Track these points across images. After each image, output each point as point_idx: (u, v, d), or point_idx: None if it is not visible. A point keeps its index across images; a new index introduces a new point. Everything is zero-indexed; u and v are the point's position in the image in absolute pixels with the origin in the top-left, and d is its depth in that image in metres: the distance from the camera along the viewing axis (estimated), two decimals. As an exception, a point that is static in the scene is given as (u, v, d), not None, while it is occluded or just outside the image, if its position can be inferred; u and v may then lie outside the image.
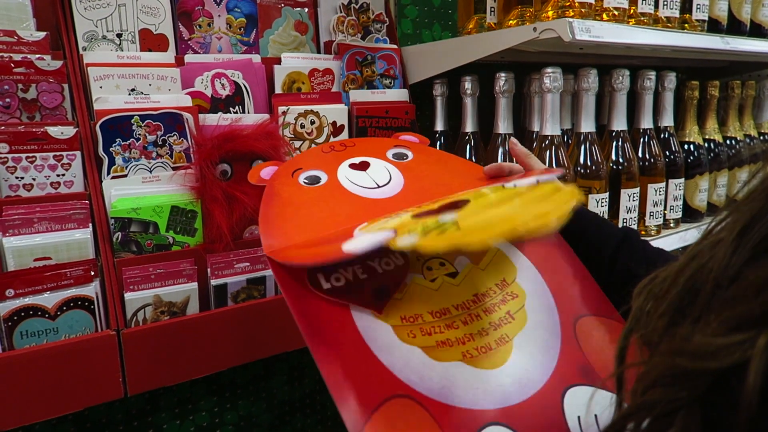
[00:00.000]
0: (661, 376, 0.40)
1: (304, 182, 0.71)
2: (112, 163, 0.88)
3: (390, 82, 1.21)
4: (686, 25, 1.25)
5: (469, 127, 1.18)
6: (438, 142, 1.26)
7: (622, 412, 0.42)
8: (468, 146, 1.17)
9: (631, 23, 1.10)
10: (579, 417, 0.56)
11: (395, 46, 1.23)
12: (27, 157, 0.84)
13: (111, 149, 0.88)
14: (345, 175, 0.73)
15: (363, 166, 0.75)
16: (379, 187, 0.72)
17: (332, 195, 0.69)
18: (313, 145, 1.07)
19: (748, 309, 0.37)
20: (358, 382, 0.53)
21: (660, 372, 0.40)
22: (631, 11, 1.11)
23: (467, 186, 0.76)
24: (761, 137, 1.56)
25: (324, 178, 0.72)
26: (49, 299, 0.80)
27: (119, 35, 0.96)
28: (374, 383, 0.53)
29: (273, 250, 0.60)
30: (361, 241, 0.49)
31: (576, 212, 0.76)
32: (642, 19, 1.12)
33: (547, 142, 1.05)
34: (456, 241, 0.42)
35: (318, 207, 0.67)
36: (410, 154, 0.81)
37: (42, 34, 0.90)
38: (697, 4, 1.25)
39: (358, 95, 1.13)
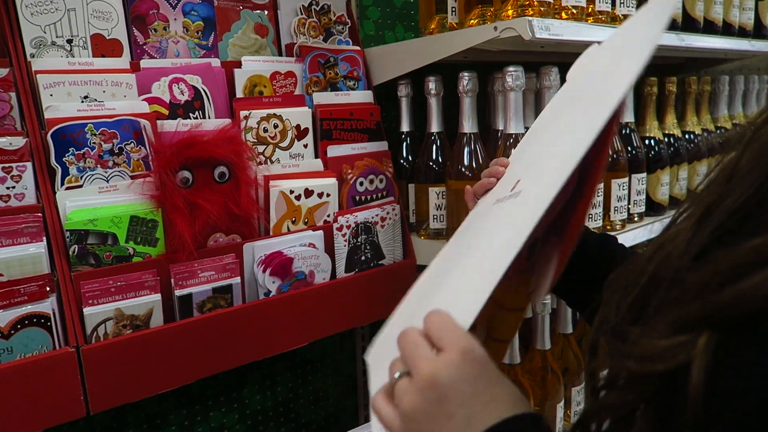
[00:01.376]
0: (613, 378, 0.41)
1: None
2: (65, 173, 0.85)
3: (354, 84, 1.20)
4: (643, 22, 1.28)
5: (435, 127, 1.18)
6: (404, 143, 1.26)
7: (582, 415, 0.44)
8: (434, 146, 1.17)
9: (589, 21, 1.12)
10: None
11: (358, 48, 1.22)
12: (-26, 170, 0.80)
13: (64, 159, 0.85)
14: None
15: None
16: None
17: None
18: (277, 150, 1.05)
19: (689, 311, 0.37)
20: None
21: (611, 375, 0.41)
22: (589, 9, 1.12)
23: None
24: (718, 131, 1.60)
25: None
26: (1, 318, 0.76)
27: (70, 41, 0.93)
28: None
29: None
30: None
31: None
32: (600, 17, 1.14)
33: (511, 140, 1.05)
34: None
35: None
36: None
37: (-14, 41, 0.86)
38: (653, 2, 1.28)
39: (322, 97, 1.12)
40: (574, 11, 1.06)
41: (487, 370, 0.44)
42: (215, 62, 1.03)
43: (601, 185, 1.20)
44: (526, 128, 1.15)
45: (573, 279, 0.77)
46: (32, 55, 0.90)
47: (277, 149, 1.05)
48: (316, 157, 1.10)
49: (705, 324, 0.36)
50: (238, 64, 1.06)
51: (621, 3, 1.19)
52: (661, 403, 0.39)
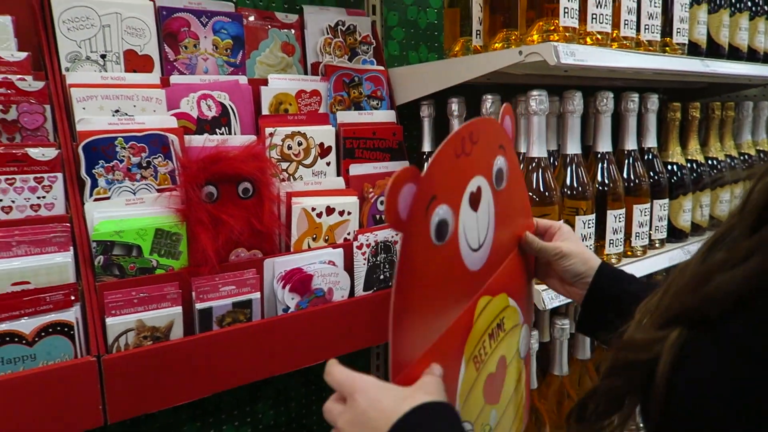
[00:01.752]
0: (611, 367, 0.48)
1: (435, 235, 0.58)
2: (94, 185, 0.87)
3: (377, 104, 1.21)
4: (667, 48, 1.28)
5: (456, 148, 1.18)
6: (425, 163, 1.26)
7: (583, 395, 0.51)
8: (455, 167, 1.18)
9: (614, 47, 1.12)
10: None
11: (382, 68, 1.23)
12: (6, 179, 0.82)
13: (94, 171, 0.87)
14: (464, 221, 0.63)
15: (477, 201, 0.65)
16: (479, 248, 0.66)
17: (450, 264, 0.62)
18: (300, 167, 1.06)
19: (670, 310, 0.44)
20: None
21: (610, 364, 0.48)
22: (614, 35, 1.12)
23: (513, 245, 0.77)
24: (741, 157, 1.59)
25: (450, 225, 0.60)
26: (26, 325, 0.77)
27: (103, 56, 0.95)
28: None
29: (400, 378, 0.55)
30: None
31: (603, 273, 0.77)
32: (624, 42, 1.14)
33: (534, 164, 1.05)
34: None
35: (440, 286, 0.60)
36: (505, 172, 0.71)
37: (23, 55, 0.88)
38: (677, 28, 1.28)
39: (346, 116, 1.13)
40: (599, 37, 1.06)
41: (374, 393, 0.51)
42: (243, 79, 1.05)
43: (623, 210, 1.19)
44: (548, 152, 1.15)
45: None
46: (67, 69, 0.92)
47: (300, 166, 1.06)
48: (339, 175, 1.11)
49: (677, 322, 0.43)
50: (265, 82, 1.08)
51: (646, 29, 1.19)
52: (646, 392, 0.44)
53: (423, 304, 0.57)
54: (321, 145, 1.08)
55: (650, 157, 1.30)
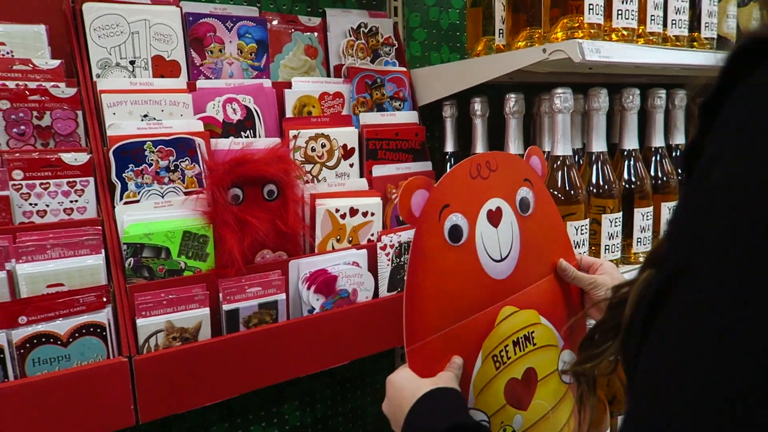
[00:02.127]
0: (610, 304, 0.56)
1: (449, 237, 0.69)
2: (124, 188, 0.89)
3: (400, 105, 1.21)
4: (695, 43, 1.25)
5: (480, 148, 1.18)
6: (448, 164, 1.26)
7: (592, 326, 0.59)
8: (478, 167, 1.17)
9: (639, 43, 1.10)
10: None
11: (404, 69, 1.23)
12: (41, 184, 0.85)
13: (124, 175, 0.88)
14: (481, 231, 0.72)
15: (497, 218, 0.75)
16: (501, 260, 0.75)
17: (467, 265, 0.71)
18: (324, 169, 1.07)
19: (650, 253, 0.48)
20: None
21: (610, 301, 0.56)
22: (640, 31, 1.11)
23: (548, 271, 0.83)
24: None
25: (465, 231, 0.71)
26: (61, 326, 0.79)
27: (132, 62, 0.97)
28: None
29: (414, 348, 0.68)
30: None
31: None
32: (651, 38, 1.12)
33: (558, 162, 1.04)
34: None
35: (455, 280, 0.70)
36: (531, 202, 0.80)
37: (57, 62, 0.91)
38: (706, 23, 1.26)
39: (368, 118, 1.14)
40: (625, 33, 1.05)
41: (400, 384, 0.67)
42: (267, 83, 1.06)
43: (650, 208, 1.17)
44: (573, 150, 1.14)
45: None
46: (98, 76, 0.95)
47: (323, 168, 1.07)
48: (362, 176, 1.12)
49: (650, 264, 0.47)
50: (289, 85, 1.09)
51: (673, 24, 1.17)
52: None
53: (436, 289, 0.68)
54: (344, 146, 1.09)
55: (678, 154, 1.27)
